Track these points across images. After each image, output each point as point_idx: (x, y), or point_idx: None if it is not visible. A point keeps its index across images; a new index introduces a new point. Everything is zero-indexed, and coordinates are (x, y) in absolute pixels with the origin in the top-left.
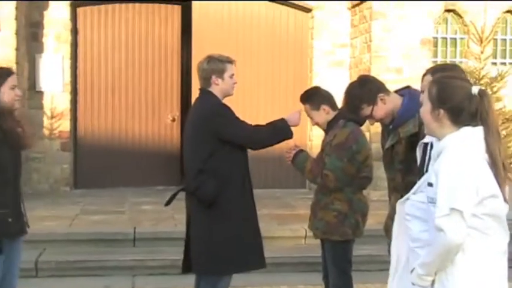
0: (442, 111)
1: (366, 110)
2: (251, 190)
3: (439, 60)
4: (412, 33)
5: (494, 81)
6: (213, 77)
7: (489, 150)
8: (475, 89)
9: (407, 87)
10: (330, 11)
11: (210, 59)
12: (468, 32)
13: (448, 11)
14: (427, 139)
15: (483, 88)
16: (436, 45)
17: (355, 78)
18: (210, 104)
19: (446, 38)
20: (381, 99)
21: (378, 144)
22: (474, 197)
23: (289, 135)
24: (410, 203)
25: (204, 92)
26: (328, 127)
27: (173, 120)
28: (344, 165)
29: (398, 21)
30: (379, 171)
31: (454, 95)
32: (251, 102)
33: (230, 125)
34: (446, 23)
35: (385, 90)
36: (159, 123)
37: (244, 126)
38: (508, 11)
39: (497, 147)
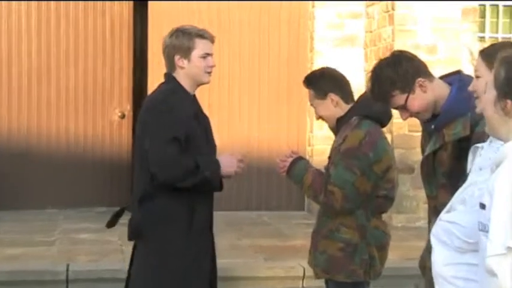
0: (509, 103)
1: (399, 99)
2: (207, 225)
3: (488, 36)
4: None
5: None
6: (176, 57)
7: None
8: None
9: (458, 72)
10: None
11: (174, 31)
12: None
13: None
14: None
15: None
16: (483, 15)
17: (372, 59)
18: (157, 92)
19: (497, 6)
20: (420, 85)
21: (402, 150)
22: None
23: (216, 189)
24: (441, 225)
25: (167, 78)
26: (338, 126)
27: (122, 116)
28: (356, 179)
29: None
30: (404, 188)
31: None
32: (229, 95)
33: (154, 131)
34: None
35: (427, 74)
36: (103, 121)
37: (165, 145)
38: None
39: None
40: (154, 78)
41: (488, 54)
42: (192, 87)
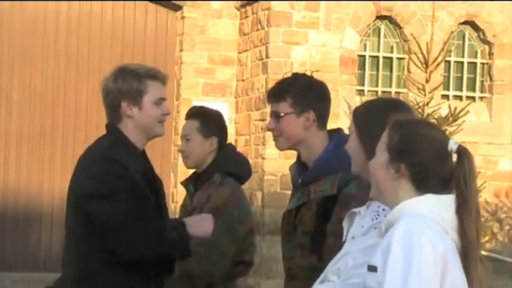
0: (403, 166)
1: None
2: None
3: (366, 89)
4: (329, 48)
5: (444, 123)
6: (124, 104)
7: (463, 232)
8: (453, 145)
9: (339, 130)
10: (209, 10)
11: (118, 73)
12: (409, 50)
13: (381, 17)
14: (359, 208)
15: (463, 145)
16: (362, 67)
17: (244, 110)
18: (95, 145)
19: (377, 57)
20: (309, 119)
21: (273, 210)
22: None
23: (184, 256)
24: None
25: (109, 129)
26: (197, 180)
27: None
28: (220, 240)
29: (306, 30)
30: (274, 250)
31: (424, 147)
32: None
33: (101, 196)
34: (379, 36)
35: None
36: None
37: (121, 210)
38: (465, 22)
39: (474, 229)
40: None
41: (356, 113)
42: (141, 140)
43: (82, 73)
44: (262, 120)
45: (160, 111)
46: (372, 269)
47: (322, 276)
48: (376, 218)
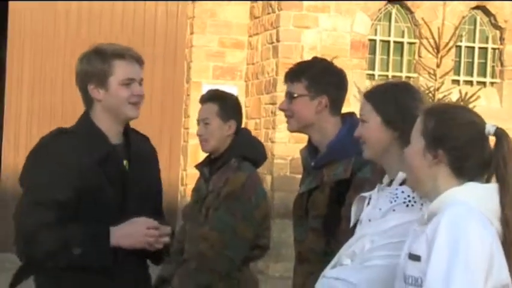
0: (441, 152)
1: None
2: None
3: (377, 73)
4: (340, 32)
5: None
6: (90, 87)
7: (505, 219)
8: (490, 128)
9: (351, 113)
10: None
11: (86, 54)
12: (420, 35)
13: (393, 2)
14: (369, 192)
15: (501, 128)
16: (373, 51)
17: (254, 93)
18: (47, 136)
19: (388, 42)
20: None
21: (282, 193)
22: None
23: (103, 263)
24: (325, 282)
25: (81, 116)
26: (212, 164)
27: None
28: (237, 224)
29: (316, 14)
30: (284, 234)
31: (461, 132)
32: None
33: (24, 190)
34: (390, 20)
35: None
36: None
37: (28, 212)
38: (477, 7)
39: None
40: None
41: (374, 97)
42: (113, 124)
43: None
44: (272, 104)
45: (130, 92)
46: (414, 257)
47: (334, 260)
48: (395, 201)
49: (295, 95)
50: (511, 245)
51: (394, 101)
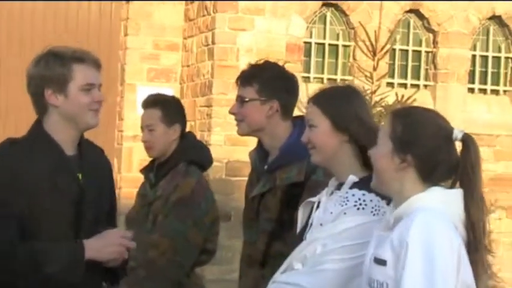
0: (409, 157)
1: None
2: None
3: (312, 76)
4: (275, 34)
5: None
6: (47, 92)
7: (470, 225)
8: (457, 133)
9: (301, 117)
10: None
11: (43, 56)
12: (355, 38)
13: (328, 5)
14: (316, 197)
15: (468, 133)
16: (308, 54)
17: (189, 96)
18: None
19: (323, 44)
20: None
21: (219, 196)
22: None
23: (76, 279)
24: (275, 287)
25: (33, 125)
26: (158, 169)
27: None
28: (188, 231)
29: (253, 15)
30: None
31: (429, 137)
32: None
33: None
34: (325, 23)
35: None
36: None
37: None
38: (410, 10)
39: (481, 221)
40: None
41: (322, 101)
42: (70, 133)
43: (24, 58)
44: (208, 106)
45: (91, 99)
46: (380, 262)
47: (285, 264)
48: (346, 204)
49: (246, 99)
50: (476, 250)
51: (344, 104)
